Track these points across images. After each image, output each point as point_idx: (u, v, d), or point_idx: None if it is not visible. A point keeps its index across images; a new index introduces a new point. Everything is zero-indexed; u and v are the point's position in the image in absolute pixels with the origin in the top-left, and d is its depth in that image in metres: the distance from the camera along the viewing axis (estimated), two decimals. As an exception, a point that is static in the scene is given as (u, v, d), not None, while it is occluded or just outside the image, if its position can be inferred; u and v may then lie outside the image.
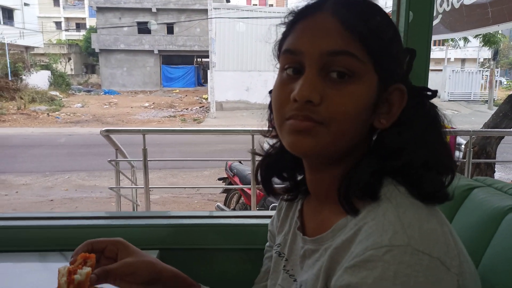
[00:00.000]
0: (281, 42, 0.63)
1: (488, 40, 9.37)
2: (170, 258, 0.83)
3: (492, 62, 16.94)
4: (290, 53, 0.60)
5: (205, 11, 18.26)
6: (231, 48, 16.12)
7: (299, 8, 0.62)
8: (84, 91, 21.56)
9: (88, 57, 27.19)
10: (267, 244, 0.84)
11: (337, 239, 0.58)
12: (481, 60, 21.28)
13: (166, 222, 1.06)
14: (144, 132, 3.24)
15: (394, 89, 0.60)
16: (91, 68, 27.49)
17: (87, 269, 0.65)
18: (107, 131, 3.30)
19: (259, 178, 0.74)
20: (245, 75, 16.32)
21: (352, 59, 0.57)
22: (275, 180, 0.75)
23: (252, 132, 3.10)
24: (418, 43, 1.00)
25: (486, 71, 17.77)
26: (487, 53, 18.15)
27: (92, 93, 21.28)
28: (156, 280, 0.78)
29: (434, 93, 0.64)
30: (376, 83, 0.59)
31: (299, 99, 0.57)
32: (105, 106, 16.94)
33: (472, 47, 17.89)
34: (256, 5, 22.79)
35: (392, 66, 0.60)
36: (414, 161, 0.58)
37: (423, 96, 0.63)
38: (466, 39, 10.23)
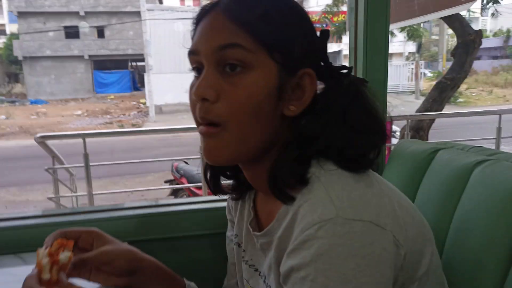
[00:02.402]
0: None
1: (412, 35, 10.04)
2: (141, 250, 0.77)
3: (416, 55, 18.21)
4: (191, 54, 0.61)
5: (137, 13, 17.74)
6: (168, 50, 15.79)
7: (199, 10, 0.63)
8: (7, 101, 19.99)
9: (10, 65, 25.28)
10: (228, 233, 0.82)
11: (281, 228, 0.59)
12: (407, 54, 22.77)
13: (132, 213, 0.99)
14: (84, 136, 3.06)
15: (302, 73, 0.60)
16: (14, 77, 25.56)
17: (68, 253, 0.59)
18: (42, 137, 3.08)
19: (207, 178, 0.74)
20: (184, 77, 16.01)
21: (241, 50, 0.57)
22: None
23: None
24: (377, 26, 1.04)
25: (411, 64, 19.06)
26: (411, 47, 19.44)
27: (17, 103, 19.82)
28: (136, 270, 0.73)
29: (350, 69, 0.64)
30: (275, 71, 0.58)
31: (195, 97, 0.58)
32: (32, 117, 15.86)
33: (398, 42, 19.11)
34: (190, 6, 22.54)
35: (294, 51, 0.59)
36: (333, 144, 0.58)
37: (340, 75, 0.63)
38: (392, 34, 10.89)
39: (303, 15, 0.62)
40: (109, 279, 0.72)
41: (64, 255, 0.59)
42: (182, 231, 1.04)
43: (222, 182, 0.75)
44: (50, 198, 3.35)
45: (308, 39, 0.61)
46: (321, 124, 0.59)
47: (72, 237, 0.70)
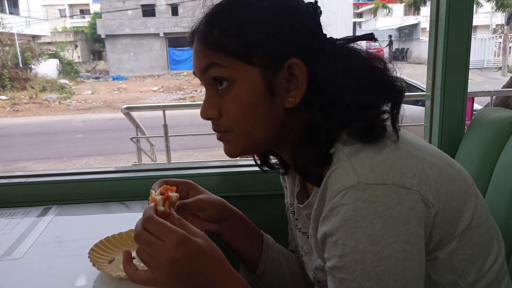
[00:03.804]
0: None
1: (501, 4, 9.14)
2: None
3: (505, 28, 16.54)
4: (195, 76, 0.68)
5: (209, -10, 17.97)
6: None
7: (188, 38, 0.69)
8: (92, 78, 21.59)
9: (95, 43, 27.12)
10: (285, 200, 0.89)
11: (316, 199, 0.62)
12: (494, 26, 20.78)
13: (216, 171, 1.11)
14: (164, 108, 3.29)
15: (288, 65, 0.61)
16: (98, 55, 27.44)
17: (176, 194, 0.69)
18: (128, 108, 3.35)
19: (255, 156, 0.81)
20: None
21: (217, 67, 0.62)
22: None
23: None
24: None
25: (499, 37, 17.39)
26: (499, 18, 17.70)
27: (100, 79, 21.32)
28: (225, 218, 0.84)
29: (332, 40, 0.64)
30: (257, 75, 0.61)
31: (202, 118, 0.68)
32: (114, 92, 17.00)
33: (484, 13, 17.47)
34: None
35: (269, 50, 0.61)
36: (335, 125, 0.60)
37: (330, 50, 0.63)
38: (478, 4, 9.97)
39: (274, 11, 0.62)
40: (202, 224, 0.83)
41: (174, 194, 0.69)
42: (256, 190, 1.14)
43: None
44: (134, 165, 3.65)
45: (285, 31, 0.62)
46: (316, 109, 0.62)
47: (173, 186, 0.81)
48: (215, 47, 0.62)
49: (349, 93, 0.60)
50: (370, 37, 0.65)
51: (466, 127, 1.07)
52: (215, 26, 0.62)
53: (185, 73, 21.65)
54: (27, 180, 1.19)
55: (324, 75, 0.61)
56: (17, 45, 17.08)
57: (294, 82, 0.62)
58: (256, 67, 0.61)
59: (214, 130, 0.68)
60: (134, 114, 3.54)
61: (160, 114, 3.33)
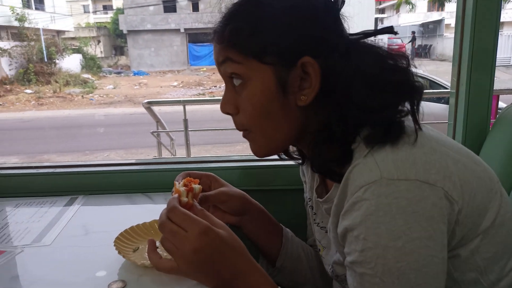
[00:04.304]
0: None
1: (530, 0, 8.86)
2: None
3: (533, 24, 16.05)
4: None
5: (229, -14, 18.00)
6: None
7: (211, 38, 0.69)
8: (114, 73, 21.92)
9: (117, 39, 27.51)
10: (305, 194, 0.89)
11: (337, 194, 0.62)
12: (521, 22, 20.15)
13: (236, 164, 1.13)
14: (184, 103, 3.32)
15: (301, 63, 0.61)
16: (120, 50, 27.83)
17: (199, 186, 0.71)
18: (149, 103, 3.41)
19: None
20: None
21: (232, 63, 0.63)
22: None
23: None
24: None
25: (527, 33, 16.88)
26: (528, 14, 17.18)
27: (122, 74, 21.63)
28: (246, 211, 0.85)
29: (347, 38, 0.64)
30: (270, 73, 0.62)
31: (222, 112, 0.69)
32: (135, 87, 17.23)
33: (512, 9, 16.97)
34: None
35: (283, 49, 0.61)
36: (347, 125, 0.60)
37: (344, 48, 0.62)
38: None
39: (287, 11, 0.62)
40: (223, 217, 0.84)
41: (197, 186, 0.70)
42: (276, 184, 1.15)
43: None
44: (154, 158, 3.71)
45: (297, 30, 0.61)
46: (329, 108, 0.61)
47: (195, 178, 0.83)
48: (229, 45, 0.63)
49: (359, 96, 0.59)
50: (389, 30, 0.64)
51: (490, 125, 1.06)
52: (228, 25, 0.64)
53: (204, 69, 21.75)
54: (55, 171, 1.23)
55: (336, 74, 0.61)
56: (42, 40, 17.49)
57: (308, 80, 0.62)
58: (269, 65, 0.62)
59: (236, 127, 0.70)
60: (155, 108, 3.59)
61: (179, 109, 3.37)
